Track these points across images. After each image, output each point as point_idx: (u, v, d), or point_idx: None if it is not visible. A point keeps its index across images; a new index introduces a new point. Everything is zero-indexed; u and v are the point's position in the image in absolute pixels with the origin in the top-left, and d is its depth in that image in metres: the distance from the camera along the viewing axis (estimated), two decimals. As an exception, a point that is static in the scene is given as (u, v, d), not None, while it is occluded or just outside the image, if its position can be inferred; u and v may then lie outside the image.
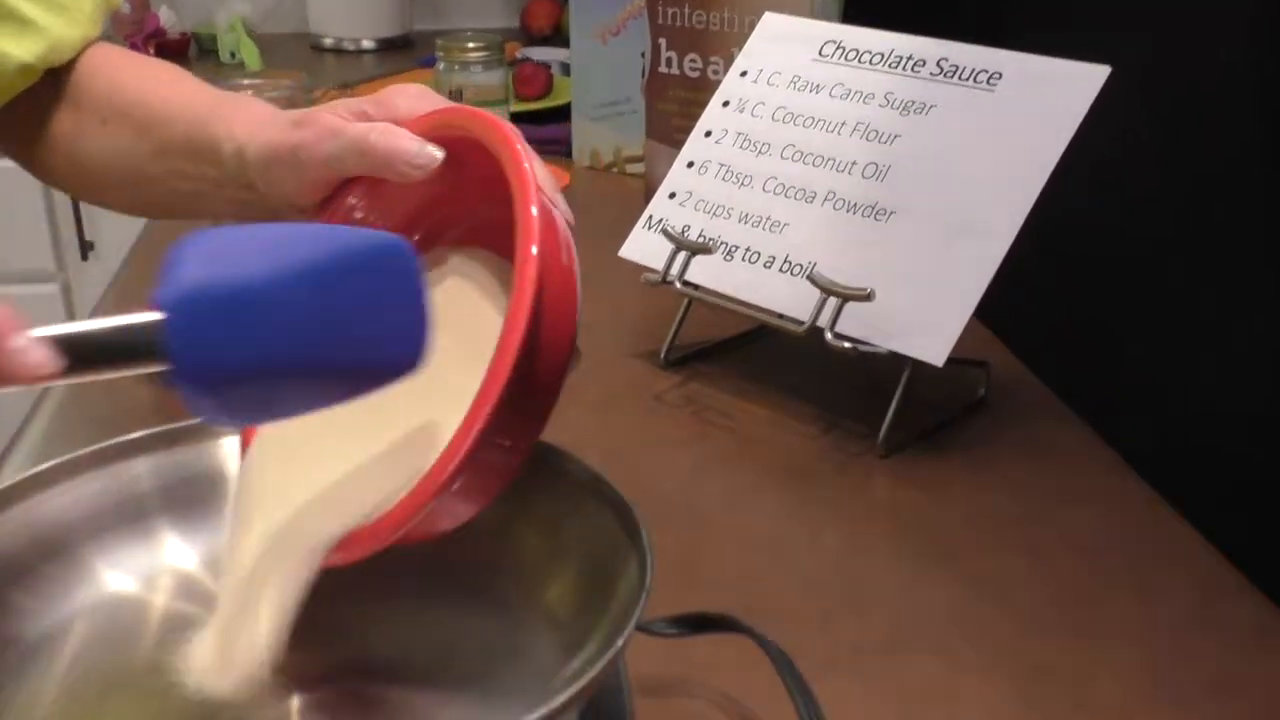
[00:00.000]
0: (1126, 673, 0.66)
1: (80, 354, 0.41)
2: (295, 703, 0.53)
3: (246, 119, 0.69)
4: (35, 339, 0.40)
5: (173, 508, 0.61)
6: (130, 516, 0.60)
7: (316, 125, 0.63)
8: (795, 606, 0.70)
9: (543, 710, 0.43)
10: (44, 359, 0.40)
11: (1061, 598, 0.72)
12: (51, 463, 0.59)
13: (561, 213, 0.55)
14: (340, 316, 0.44)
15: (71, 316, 2.15)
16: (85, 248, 2.13)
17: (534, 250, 0.49)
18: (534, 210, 0.50)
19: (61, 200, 2.09)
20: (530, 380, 0.49)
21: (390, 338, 0.46)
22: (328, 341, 0.44)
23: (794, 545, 0.78)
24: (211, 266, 0.42)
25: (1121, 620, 0.70)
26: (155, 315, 0.41)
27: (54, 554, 0.58)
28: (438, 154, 0.58)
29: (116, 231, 2.02)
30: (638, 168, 1.45)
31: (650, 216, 1.01)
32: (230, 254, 0.43)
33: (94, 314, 1.10)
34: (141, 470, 0.61)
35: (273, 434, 0.56)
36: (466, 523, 0.53)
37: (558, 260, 0.52)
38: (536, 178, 0.52)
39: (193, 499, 0.62)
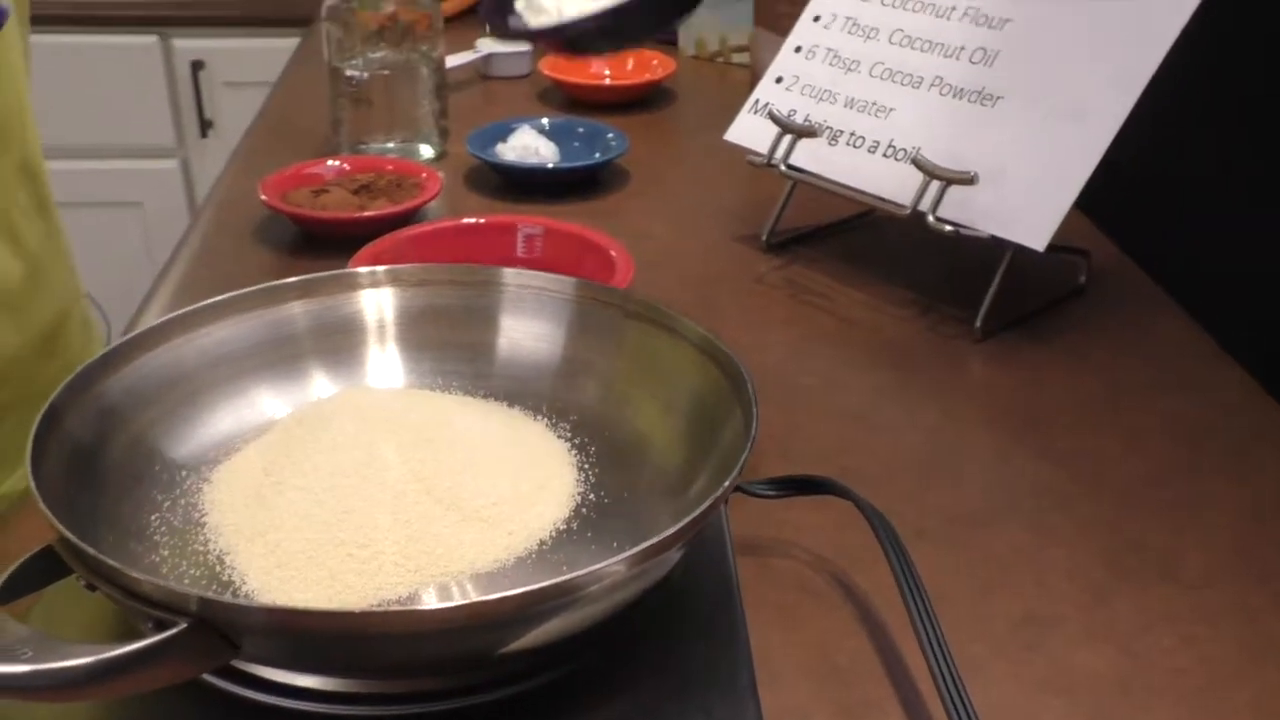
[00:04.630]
0: (1216, 548, 0.67)
1: None
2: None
3: None
4: None
5: (319, 348, 0.67)
6: (285, 353, 0.66)
7: None
8: (889, 477, 0.72)
9: (652, 541, 0.46)
10: None
11: (1154, 476, 0.73)
12: (218, 298, 0.65)
13: None
14: None
15: (191, 191, 2.23)
16: (204, 125, 2.19)
17: None
18: None
19: (183, 79, 2.15)
20: None
21: None
22: None
23: (889, 420, 0.80)
24: None
25: (1213, 499, 0.71)
26: None
27: (221, 379, 0.64)
28: None
29: (235, 110, 2.08)
30: (743, 57, 1.45)
31: (756, 100, 1.02)
32: None
33: (213, 191, 1.14)
34: (295, 312, 0.66)
35: None
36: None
37: None
38: None
39: (337, 342, 0.67)
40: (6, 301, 0.82)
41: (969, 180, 0.85)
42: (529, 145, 1.15)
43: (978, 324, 0.87)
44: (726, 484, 0.49)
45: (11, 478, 0.85)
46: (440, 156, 1.20)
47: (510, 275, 0.69)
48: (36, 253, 0.85)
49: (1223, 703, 0.57)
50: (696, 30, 1.50)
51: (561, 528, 0.57)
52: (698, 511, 0.47)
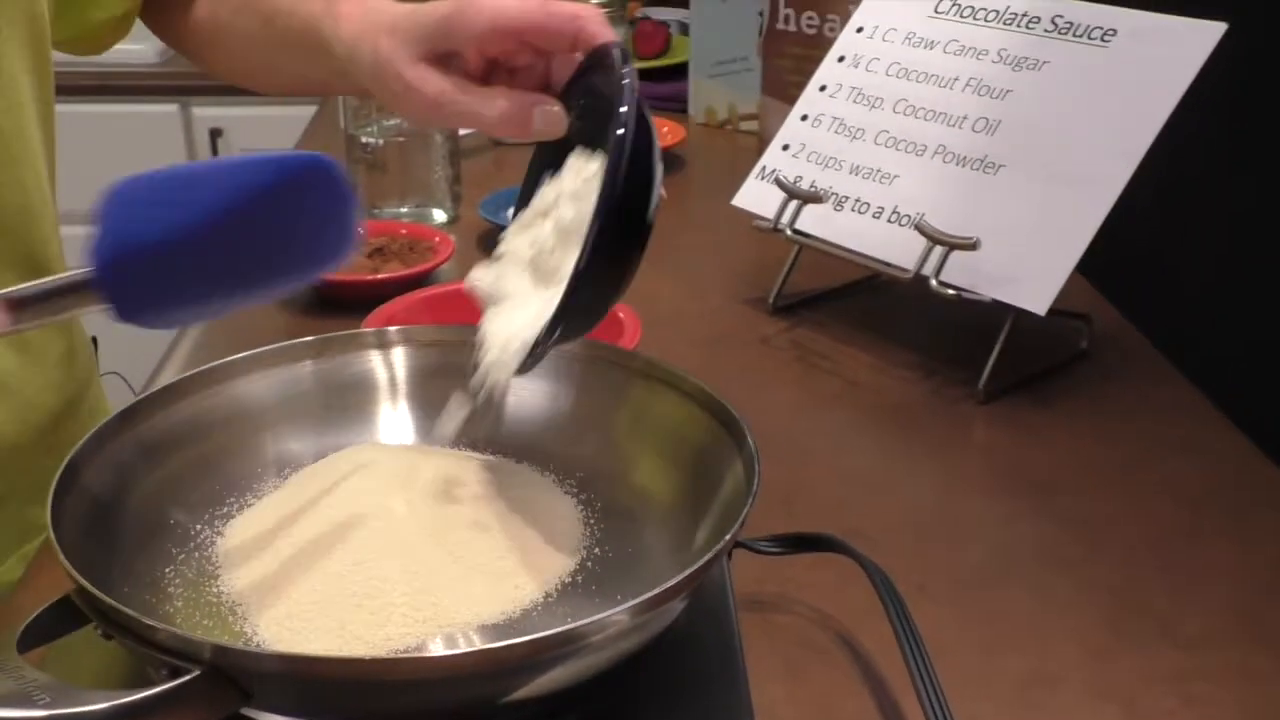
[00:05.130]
0: (1216, 611, 0.68)
1: (25, 307, 0.45)
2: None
3: (352, 17, 0.70)
4: None
5: (332, 406, 0.69)
6: (298, 410, 0.68)
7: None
8: (892, 537, 0.73)
9: (655, 591, 0.47)
10: None
11: (1155, 540, 0.74)
12: (232, 358, 0.67)
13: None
14: (267, 241, 0.48)
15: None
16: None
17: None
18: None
19: (202, 146, 2.19)
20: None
21: (317, 246, 0.50)
22: (253, 264, 0.48)
23: (893, 481, 0.81)
24: (142, 217, 0.46)
25: (1215, 563, 0.72)
26: (89, 271, 0.45)
27: (236, 435, 0.66)
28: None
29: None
30: (751, 125, 1.48)
31: (764, 167, 1.04)
32: (162, 200, 0.47)
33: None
34: (309, 370, 0.68)
35: None
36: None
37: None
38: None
39: (349, 400, 0.69)
40: (2, 388, 0.79)
41: (971, 245, 0.86)
42: (540, 210, 1.17)
43: (980, 386, 0.88)
44: (728, 537, 0.50)
45: (3, 566, 0.83)
46: (453, 220, 1.22)
47: (519, 335, 0.70)
48: (35, 342, 0.83)
49: (1222, 761, 0.58)
50: (706, 99, 1.53)
51: (567, 580, 0.58)
52: (700, 563, 0.49)
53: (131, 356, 1.41)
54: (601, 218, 0.52)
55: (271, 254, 0.49)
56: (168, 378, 0.84)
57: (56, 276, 0.46)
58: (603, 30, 0.61)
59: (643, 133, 0.54)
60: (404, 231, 1.11)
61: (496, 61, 0.65)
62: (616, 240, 0.53)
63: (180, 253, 0.46)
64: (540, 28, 0.62)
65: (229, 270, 0.48)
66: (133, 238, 0.45)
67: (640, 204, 0.55)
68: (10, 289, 0.45)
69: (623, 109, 0.53)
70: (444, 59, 0.65)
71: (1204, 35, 0.84)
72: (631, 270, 0.57)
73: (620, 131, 0.53)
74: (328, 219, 0.51)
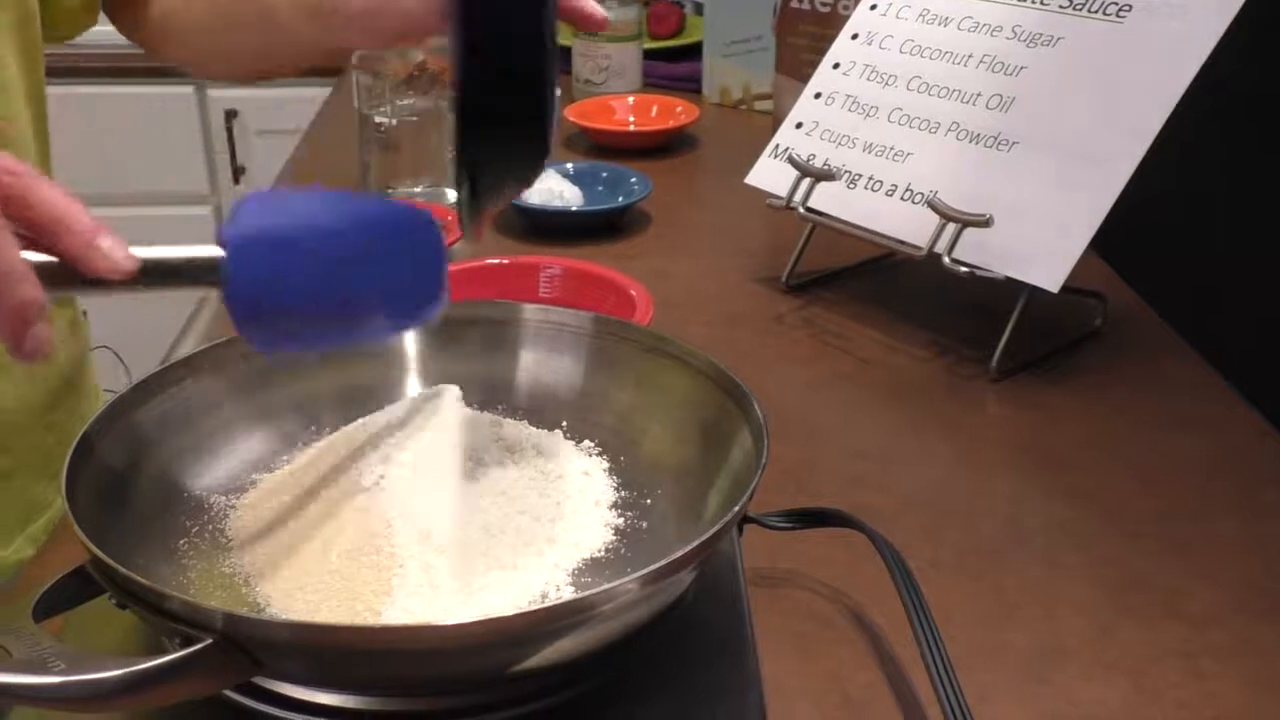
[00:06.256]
0: (1223, 586, 0.68)
1: (153, 270, 0.49)
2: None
3: None
4: (120, 242, 0.48)
5: (344, 381, 0.69)
6: (311, 385, 0.68)
7: None
8: (904, 512, 0.73)
9: (664, 561, 0.47)
10: (124, 259, 0.48)
11: (1165, 514, 0.74)
12: None
13: None
14: (369, 270, 0.52)
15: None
16: (237, 172, 2.25)
17: None
18: None
19: (217, 127, 2.20)
20: None
21: (412, 292, 0.54)
22: (355, 291, 0.52)
23: (905, 458, 0.81)
24: (268, 217, 0.51)
25: (1223, 538, 0.72)
26: (218, 250, 0.49)
27: (249, 410, 0.66)
28: None
29: (266, 157, 2.13)
30: (765, 105, 1.47)
31: (777, 145, 1.04)
32: (286, 210, 0.52)
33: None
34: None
35: None
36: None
37: None
38: None
39: (361, 375, 0.69)
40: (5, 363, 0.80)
41: (984, 223, 0.86)
42: (553, 189, 1.17)
43: (993, 365, 0.88)
44: (737, 508, 0.51)
45: (11, 546, 0.84)
46: (466, 200, 1.22)
47: (529, 311, 0.70)
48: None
49: (1230, 735, 0.58)
50: (720, 79, 1.53)
51: (585, 553, 0.59)
52: (709, 534, 0.49)
53: (124, 330, 1.42)
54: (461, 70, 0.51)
55: (374, 282, 0.53)
56: (185, 351, 0.85)
57: (185, 248, 0.50)
58: None
59: None
60: (417, 210, 1.11)
61: None
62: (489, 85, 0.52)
63: (299, 249, 0.50)
64: None
65: (337, 284, 0.51)
66: (259, 227, 0.50)
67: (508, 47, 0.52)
68: (145, 251, 0.49)
69: None
70: None
71: (1221, 9, 0.84)
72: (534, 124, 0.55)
73: None
74: (423, 267, 0.55)
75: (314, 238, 0.51)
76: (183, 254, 0.50)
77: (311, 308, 0.51)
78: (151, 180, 2.22)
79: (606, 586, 0.46)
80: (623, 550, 0.59)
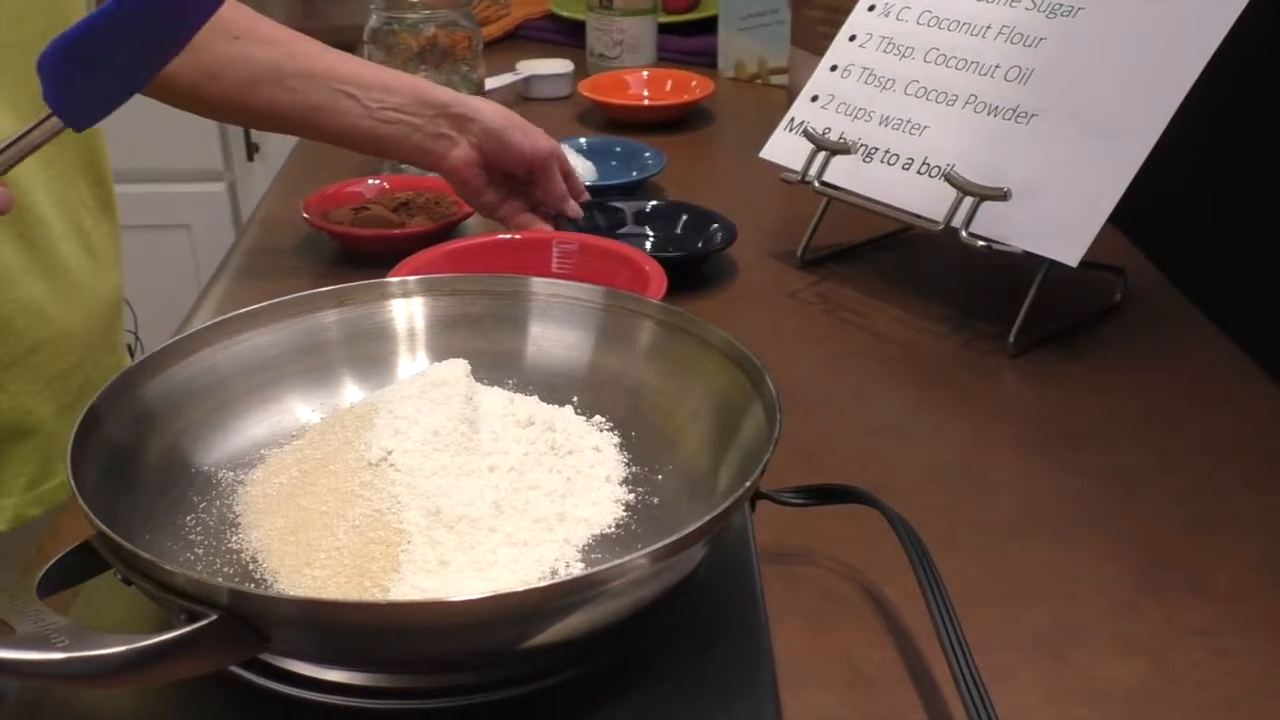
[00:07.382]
0: (1244, 564, 0.67)
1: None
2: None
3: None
4: None
5: (352, 355, 0.68)
6: (318, 360, 0.67)
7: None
8: (919, 489, 0.73)
9: (675, 536, 0.46)
10: None
11: (1185, 493, 0.73)
12: (255, 306, 0.66)
13: None
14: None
15: (237, 214, 2.28)
16: (251, 149, 2.25)
17: None
18: None
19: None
20: None
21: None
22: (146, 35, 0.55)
23: (920, 434, 0.80)
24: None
25: (1244, 516, 0.71)
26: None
27: (256, 384, 0.65)
28: None
29: (280, 135, 2.12)
30: (781, 79, 1.46)
31: (792, 119, 1.03)
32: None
33: (257, 210, 1.17)
34: (330, 320, 0.68)
35: None
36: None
37: None
38: None
39: (369, 349, 0.68)
40: (77, 293, 0.86)
41: (1002, 196, 0.85)
42: (567, 164, 1.16)
43: (1011, 340, 0.87)
44: (749, 483, 0.50)
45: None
46: (479, 175, 1.21)
47: (540, 284, 0.69)
48: (99, 247, 0.90)
49: (1252, 715, 0.57)
50: (735, 53, 1.51)
51: (595, 530, 0.58)
52: (720, 509, 0.48)
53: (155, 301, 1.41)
54: None
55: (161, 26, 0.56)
56: (193, 326, 0.85)
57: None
58: None
59: None
60: (428, 186, 1.10)
61: None
62: None
63: (95, 32, 0.53)
64: None
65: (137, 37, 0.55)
66: (58, 41, 0.54)
67: None
68: None
69: None
70: None
71: (1244, -22, 0.82)
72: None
73: None
74: None
75: (106, 16, 0.53)
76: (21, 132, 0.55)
77: (123, 72, 0.56)
78: (166, 158, 2.21)
79: (617, 562, 0.45)
80: (633, 526, 0.58)
